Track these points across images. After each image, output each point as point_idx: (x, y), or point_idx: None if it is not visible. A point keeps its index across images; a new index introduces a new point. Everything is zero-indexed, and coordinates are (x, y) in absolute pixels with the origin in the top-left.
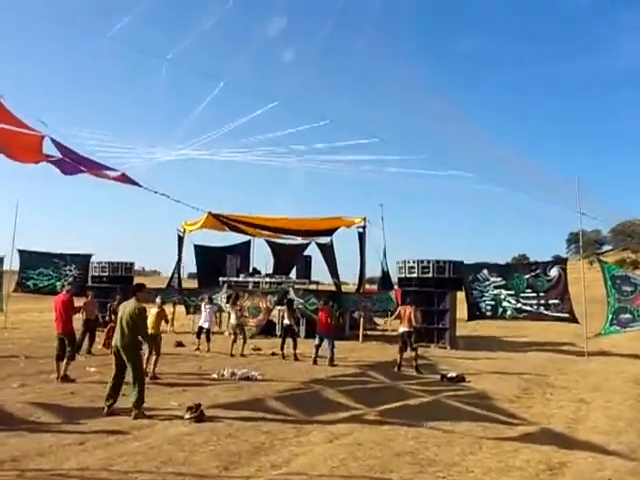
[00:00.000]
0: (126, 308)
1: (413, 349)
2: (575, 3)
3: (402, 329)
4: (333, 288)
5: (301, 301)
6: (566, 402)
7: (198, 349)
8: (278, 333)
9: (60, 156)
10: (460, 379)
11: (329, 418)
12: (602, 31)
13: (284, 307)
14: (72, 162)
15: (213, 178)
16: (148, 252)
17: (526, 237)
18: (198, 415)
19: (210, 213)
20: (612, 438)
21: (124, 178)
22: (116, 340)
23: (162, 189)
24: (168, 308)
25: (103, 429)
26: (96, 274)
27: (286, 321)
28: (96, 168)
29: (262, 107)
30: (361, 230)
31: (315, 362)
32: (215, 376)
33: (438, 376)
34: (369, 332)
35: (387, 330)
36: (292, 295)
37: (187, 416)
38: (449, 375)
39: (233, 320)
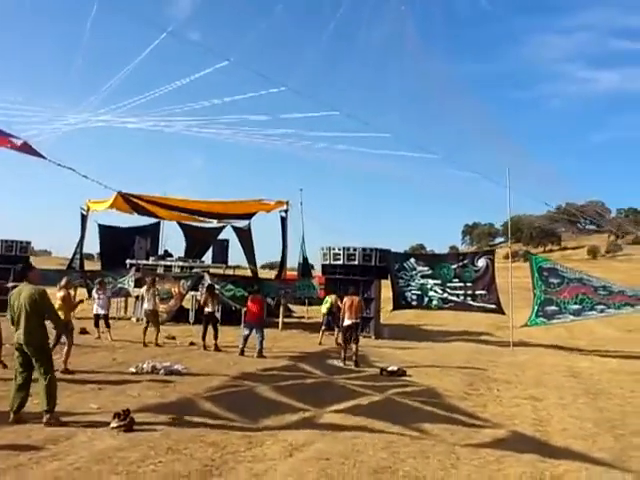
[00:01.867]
0: (22, 294)
1: (357, 342)
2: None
3: (348, 321)
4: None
5: (217, 287)
6: (518, 399)
7: (99, 337)
8: (191, 320)
9: None
10: (401, 373)
11: (277, 423)
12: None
13: (198, 292)
14: None
15: (130, 154)
16: (37, 231)
17: (422, 227)
18: (128, 423)
19: (119, 193)
20: (590, 443)
21: (26, 148)
22: (18, 334)
23: (69, 162)
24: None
25: (10, 443)
26: None
27: (208, 308)
28: None
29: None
30: (283, 214)
31: (242, 353)
32: (133, 370)
33: (375, 369)
34: (286, 320)
35: (304, 317)
36: (207, 280)
37: (114, 424)
38: (389, 369)
39: (147, 306)
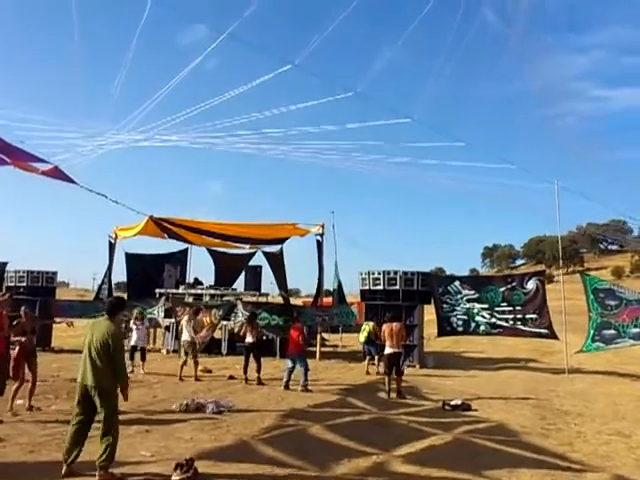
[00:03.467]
0: (95, 331)
1: (401, 373)
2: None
3: (390, 350)
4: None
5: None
6: (604, 436)
7: (132, 372)
8: (224, 351)
9: None
10: (466, 407)
11: (352, 470)
12: None
13: (230, 322)
14: None
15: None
16: (52, 261)
17: (442, 250)
18: (192, 476)
19: (151, 217)
20: None
21: (56, 172)
22: (83, 375)
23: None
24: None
25: None
26: (11, 284)
27: (249, 339)
28: (24, 159)
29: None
30: (319, 238)
31: (287, 387)
32: (175, 408)
33: (433, 403)
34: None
35: (337, 346)
36: (240, 308)
37: (176, 477)
38: (452, 402)
39: (186, 337)
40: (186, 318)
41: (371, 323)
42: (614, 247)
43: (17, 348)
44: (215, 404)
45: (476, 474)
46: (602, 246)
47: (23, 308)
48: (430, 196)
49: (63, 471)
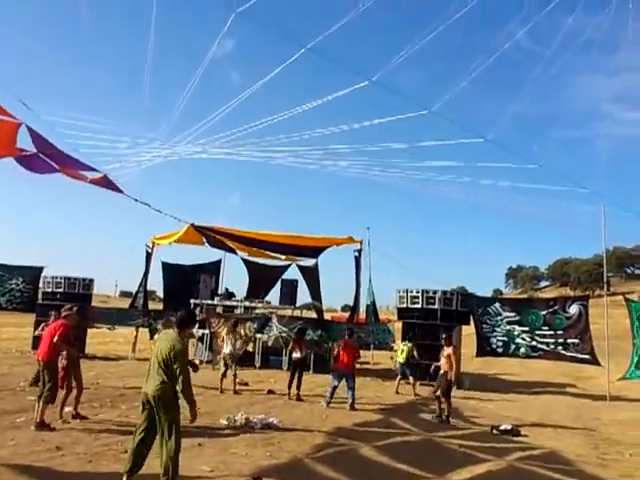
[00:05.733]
0: (162, 342)
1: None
2: None
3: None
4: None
5: (285, 329)
6: None
7: None
8: (257, 364)
9: (34, 150)
10: (516, 433)
11: None
12: None
13: (265, 335)
14: (46, 159)
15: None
16: (69, 266)
17: (464, 270)
18: None
19: (192, 225)
20: None
21: (104, 181)
22: (147, 386)
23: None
24: (130, 331)
25: None
26: (49, 290)
27: (296, 354)
28: (74, 167)
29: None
30: (356, 254)
31: (328, 405)
32: (225, 422)
33: (478, 427)
34: None
35: (369, 363)
36: (275, 322)
37: None
38: (501, 427)
39: (227, 349)
40: (226, 330)
41: (409, 344)
42: None
43: (65, 357)
44: (262, 420)
45: None
46: (629, 270)
47: (72, 308)
48: (450, 213)
49: None
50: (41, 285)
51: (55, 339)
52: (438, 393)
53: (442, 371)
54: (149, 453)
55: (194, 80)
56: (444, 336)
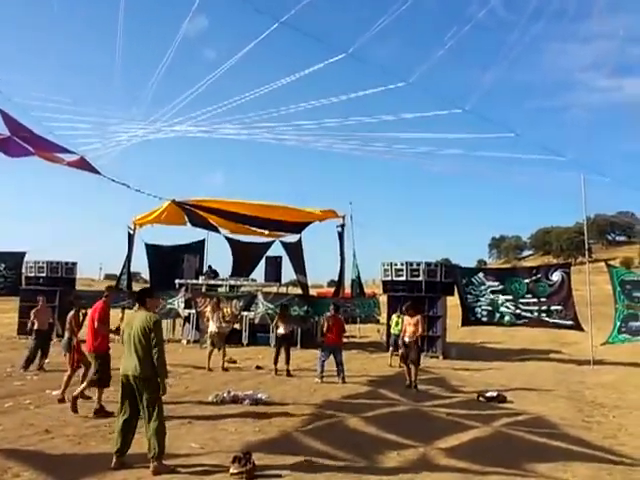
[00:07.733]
0: (135, 321)
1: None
2: None
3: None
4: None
5: (271, 306)
6: None
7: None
8: (244, 341)
9: (8, 134)
10: (502, 399)
11: (401, 464)
12: None
13: (251, 312)
14: (21, 142)
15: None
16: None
17: (448, 243)
18: (250, 470)
19: (173, 201)
20: None
21: (82, 163)
22: (126, 366)
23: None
24: (116, 313)
25: None
26: (31, 275)
27: (281, 330)
28: (49, 150)
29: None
30: (339, 230)
31: (322, 379)
32: (212, 399)
33: (465, 395)
34: None
35: (355, 336)
36: (261, 299)
37: (234, 470)
38: (487, 394)
39: (213, 328)
40: (209, 308)
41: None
42: (622, 238)
43: (75, 340)
44: (251, 396)
45: (530, 469)
46: (610, 237)
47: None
48: (432, 185)
49: (113, 463)
50: (24, 270)
51: (96, 325)
52: (409, 361)
53: (408, 340)
54: (135, 431)
55: (167, 57)
56: (405, 307)
